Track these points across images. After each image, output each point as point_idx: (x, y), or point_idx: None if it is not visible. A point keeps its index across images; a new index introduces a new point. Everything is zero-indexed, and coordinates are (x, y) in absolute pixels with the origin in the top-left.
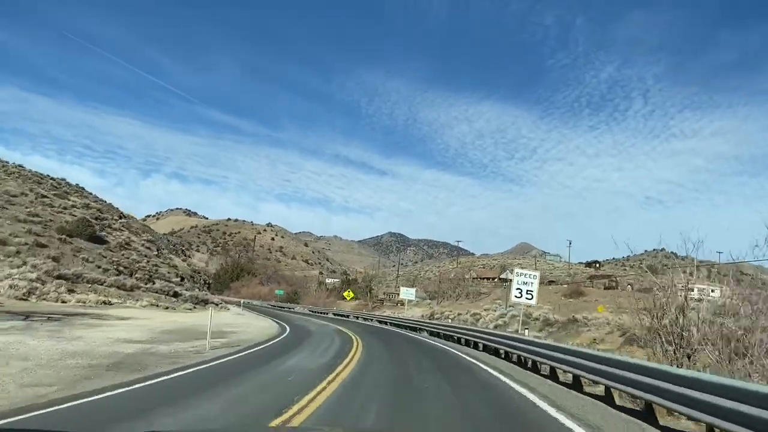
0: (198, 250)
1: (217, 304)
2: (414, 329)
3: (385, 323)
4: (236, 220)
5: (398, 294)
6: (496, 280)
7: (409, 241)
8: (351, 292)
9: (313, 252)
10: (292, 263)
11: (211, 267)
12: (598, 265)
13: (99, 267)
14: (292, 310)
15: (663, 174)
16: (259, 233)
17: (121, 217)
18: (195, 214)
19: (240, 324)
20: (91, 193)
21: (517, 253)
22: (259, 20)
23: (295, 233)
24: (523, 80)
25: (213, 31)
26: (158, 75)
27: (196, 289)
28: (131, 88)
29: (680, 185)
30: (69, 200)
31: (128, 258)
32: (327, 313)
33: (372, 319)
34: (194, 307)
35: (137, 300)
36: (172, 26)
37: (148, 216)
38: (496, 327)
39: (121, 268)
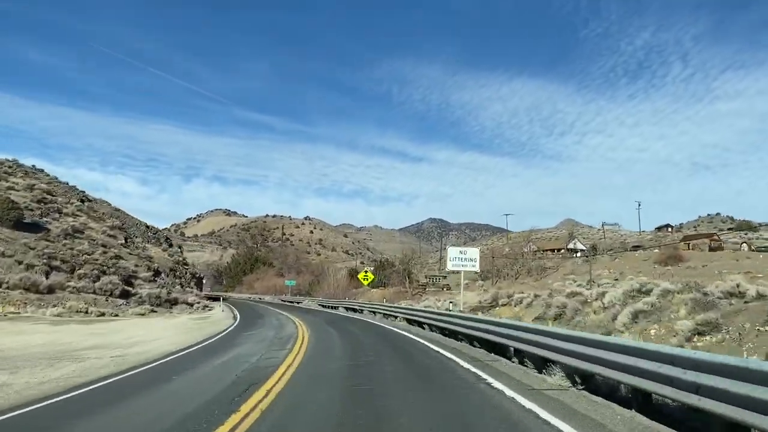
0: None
1: (191, 305)
2: (499, 349)
3: (422, 325)
4: (274, 216)
5: (443, 278)
6: (561, 251)
7: (450, 226)
8: (369, 274)
9: (353, 242)
10: (332, 255)
11: (226, 260)
12: (670, 229)
13: (20, 262)
14: (298, 305)
15: (708, 138)
16: (297, 227)
17: (83, 201)
18: (234, 213)
19: (160, 339)
20: (48, 175)
21: (565, 229)
22: (285, 19)
23: (336, 226)
24: (556, 54)
25: (242, 35)
26: (192, 81)
27: (177, 286)
28: (167, 97)
29: (727, 149)
30: (7, 181)
31: (73, 249)
32: (337, 308)
33: (397, 316)
34: (152, 311)
35: (47, 307)
36: (202, 34)
37: (190, 219)
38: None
39: (56, 263)
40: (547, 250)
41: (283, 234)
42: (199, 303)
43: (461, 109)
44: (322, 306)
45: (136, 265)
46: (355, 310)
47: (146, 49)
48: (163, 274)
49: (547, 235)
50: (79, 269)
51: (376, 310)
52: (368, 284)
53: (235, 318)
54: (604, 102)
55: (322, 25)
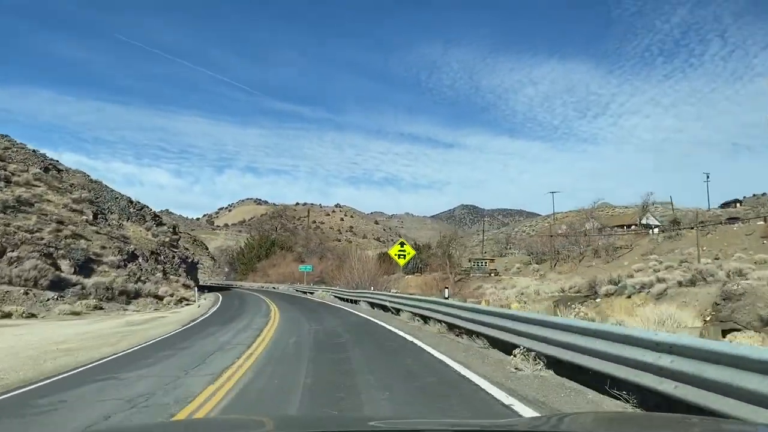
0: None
1: (160, 297)
2: None
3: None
4: (304, 204)
5: (489, 261)
6: (632, 228)
7: (483, 212)
8: (408, 248)
9: (384, 230)
10: (363, 242)
11: (239, 245)
12: (738, 205)
13: None
14: (311, 295)
15: (749, 118)
16: (328, 215)
17: (48, 170)
18: (265, 202)
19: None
20: (12, 141)
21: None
22: (315, 7)
23: (367, 214)
24: (588, 35)
25: (271, 25)
26: (223, 72)
27: (159, 273)
28: (198, 88)
29: None
30: None
31: (9, 225)
32: (358, 302)
33: (442, 320)
34: (97, 308)
35: None
36: (232, 26)
37: (221, 208)
38: None
39: None
40: (614, 227)
41: (314, 222)
42: (173, 295)
43: (492, 94)
44: (339, 298)
45: (103, 247)
46: (384, 308)
47: (176, 42)
48: (140, 259)
49: (610, 212)
50: (12, 251)
51: (425, 311)
52: (404, 265)
53: (191, 321)
54: (639, 82)
55: (351, 11)
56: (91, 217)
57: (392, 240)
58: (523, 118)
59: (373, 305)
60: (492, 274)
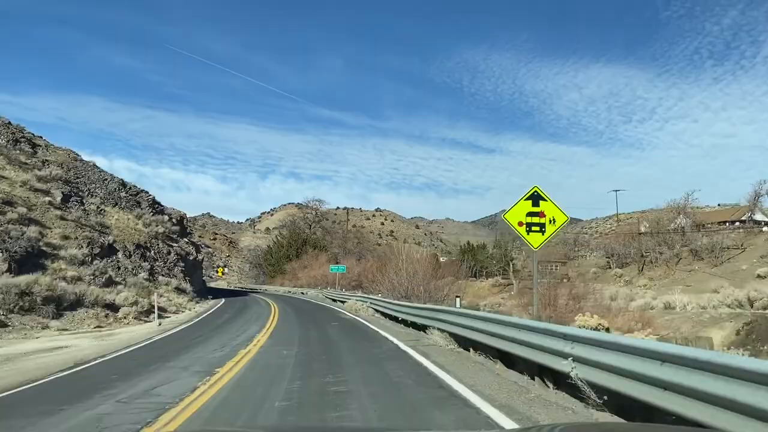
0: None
1: (116, 309)
2: None
3: None
4: (344, 208)
5: (560, 265)
6: (735, 224)
7: None
8: (545, 208)
9: (425, 234)
10: (404, 246)
11: (266, 244)
12: None
13: None
14: (342, 304)
15: None
16: (368, 219)
17: (18, 141)
18: (306, 206)
19: None
20: None
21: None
22: (358, 14)
23: (408, 218)
24: (635, 38)
25: (315, 33)
26: (267, 80)
27: (143, 273)
28: (244, 96)
29: None
30: None
31: None
32: (426, 328)
33: None
34: None
35: None
36: (276, 34)
37: (264, 213)
38: None
39: None
40: (715, 223)
41: (353, 226)
42: (137, 304)
43: (535, 98)
44: (380, 311)
45: (66, 237)
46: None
47: (224, 51)
48: (120, 254)
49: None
50: None
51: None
52: (539, 245)
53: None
54: (687, 86)
55: (393, 17)
56: (58, 199)
57: (433, 245)
58: (567, 123)
59: (453, 334)
60: (564, 280)
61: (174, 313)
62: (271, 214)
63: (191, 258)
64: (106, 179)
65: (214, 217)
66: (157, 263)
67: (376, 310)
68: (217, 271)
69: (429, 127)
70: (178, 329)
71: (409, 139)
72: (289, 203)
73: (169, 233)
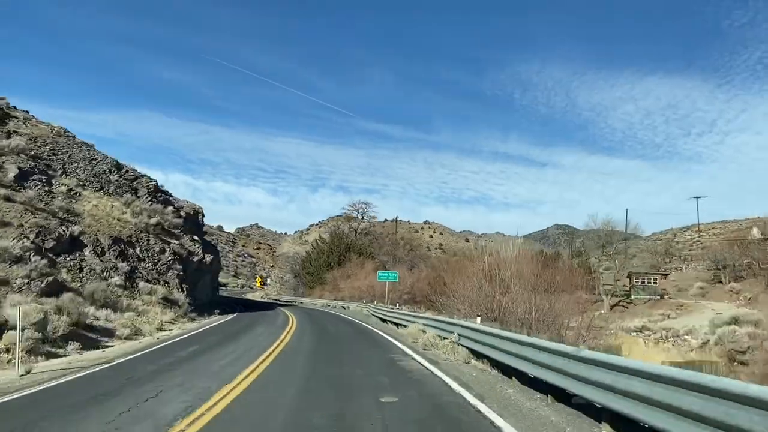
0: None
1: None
2: None
3: None
4: (393, 220)
5: (661, 278)
6: None
7: (578, 233)
8: None
9: (475, 247)
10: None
11: (305, 251)
12: None
13: None
14: (403, 328)
15: None
16: (416, 231)
17: None
18: (354, 218)
19: None
20: None
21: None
22: (408, 27)
23: (458, 232)
24: (694, 48)
25: (364, 47)
26: (317, 95)
27: (115, 277)
28: (295, 110)
29: None
30: None
31: None
32: None
33: None
34: None
35: None
36: (326, 49)
37: (312, 225)
38: None
39: None
40: None
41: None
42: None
43: (589, 111)
44: (492, 361)
45: (4, 223)
46: None
47: (274, 66)
48: (88, 249)
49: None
50: None
51: None
52: None
53: None
54: (750, 97)
55: (444, 30)
56: (10, 175)
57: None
58: (623, 136)
59: None
60: (664, 297)
61: (125, 339)
62: (320, 226)
63: (195, 259)
64: (96, 159)
65: (262, 228)
66: (143, 264)
67: (490, 361)
68: (255, 282)
69: (480, 141)
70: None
71: (460, 153)
72: (338, 215)
73: (169, 227)
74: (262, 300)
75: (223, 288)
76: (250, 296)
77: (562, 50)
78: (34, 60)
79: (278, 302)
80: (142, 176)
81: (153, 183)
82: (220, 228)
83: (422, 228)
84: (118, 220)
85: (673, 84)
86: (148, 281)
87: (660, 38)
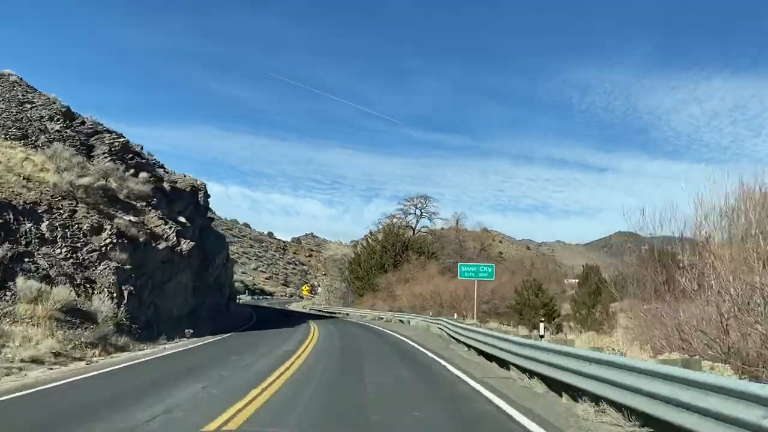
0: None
1: None
2: None
3: None
4: (449, 228)
5: None
6: None
7: (643, 240)
8: None
9: (537, 255)
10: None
11: (352, 253)
12: None
13: None
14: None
15: None
16: (474, 240)
17: None
18: (410, 227)
19: None
20: None
21: None
22: (458, 34)
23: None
24: (762, 46)
25: (416, 57)
26: (369, 105)
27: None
28: (348, 121)
29: None
30: None
31: None
32: None
33: None
34: None
35: None
36: (375, 59)
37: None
38: None
39: None
40: None
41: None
42: None
43: (650, 114)
44: None
45: None
46: None
47: (327, 79)
48: None
49: None
50: None
51: None
52: None
53: None
54: None
55: (496, 35)
56: None
57: (546, 267)
58: (687, 140)
59: None
60: None
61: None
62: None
63: (162, 247)
64: (33, 103)
65: (317, 237)
66: (47, 249)
67: None
68: (301, 290)
69: (535, 147)
70: None
71: (514, 159)
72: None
73: (128, 197)
74: (302, 311)
75: (267, 297)
76: (293, 306)
77: (621, 53)
78: (107, 80)
79: (321, 313)
80: (107, 131)
81: (121, 141)
82: (270, 234)
83: (480, 236)
84: (26, 179)
85: (740, 84)
86: (46, 277)
87: (724, 37)
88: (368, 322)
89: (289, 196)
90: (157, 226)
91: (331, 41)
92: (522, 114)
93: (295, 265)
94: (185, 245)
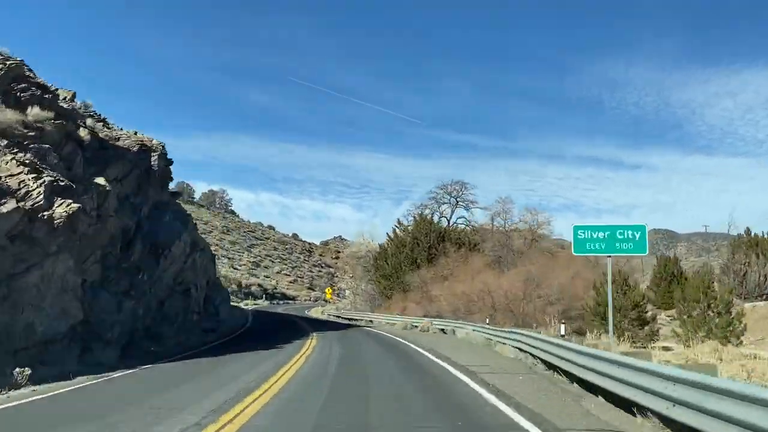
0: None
1: None
2: None
3: None
4: (484, 225)
5: None
6: None
7: (678, 237)
8: None
9: (569, 254)
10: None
11: (377, 245)
12: None
13: None
14: None
15: None
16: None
17: None
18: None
19: None
20: None
21: None
22: (484, 35)
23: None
24: None
25: (443, 60)
26: (396, 109)
27: None
28: (375, 126)
29: None
30: None
31: None
32: None
33: None
34: None
35: None
36: (402, 62)
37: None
38: None
39: None
40: None
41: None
42: None
43: (683, 109)
44: None
45: None
46: None
47: (350, 82)
48: None
49: None
50: None
51: None
52: None
53: None
54: None
55: (523, 34)
56: None
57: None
58: (721, 134)
59: None
60: None
61: None
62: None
63: (21, 209)
64: None
65: (345, 240)
66: None
67: None
68: (325, 294)
69: (564, 146)
70: None
71: (542, 159)
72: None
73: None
74: (319, 317)
75: (289, 302)
76: (312, 312)
77: (650, 47)
78: (140, 92)
79: (338, 320)
80: (53, 90)
81: (14, 62)
82: (295, 236)
83: (524, 233)
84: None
85: None
86: None
87: (756, 28)
88: (397, 334)
89: (319, 202)
90: (11, 176)
91: (358, 45)
92: (550, 113)
93: (321, 267)
94: (61, 208)
